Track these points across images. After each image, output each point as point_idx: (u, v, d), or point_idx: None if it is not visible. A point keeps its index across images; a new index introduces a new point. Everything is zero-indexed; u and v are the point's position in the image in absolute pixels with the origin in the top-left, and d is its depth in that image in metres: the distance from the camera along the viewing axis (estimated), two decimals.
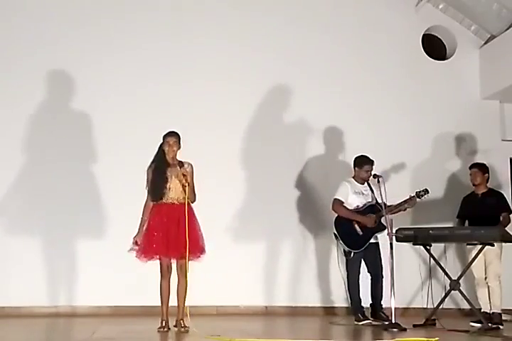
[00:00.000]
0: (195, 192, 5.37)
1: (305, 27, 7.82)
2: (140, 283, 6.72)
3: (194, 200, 5.38)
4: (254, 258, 7.06)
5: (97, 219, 7.01)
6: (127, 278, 6.76)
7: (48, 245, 6.84)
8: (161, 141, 5.42)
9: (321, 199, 6.98)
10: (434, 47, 8.39)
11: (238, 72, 7.52)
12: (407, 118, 7.88)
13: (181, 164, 5.34)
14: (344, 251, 6.40)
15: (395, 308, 5.82)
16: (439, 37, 8.46)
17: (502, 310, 6.47)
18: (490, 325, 6.06)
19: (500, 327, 6.18)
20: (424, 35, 8.25)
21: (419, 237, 6.33)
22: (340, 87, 7.81)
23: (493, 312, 6.40)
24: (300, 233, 7.44)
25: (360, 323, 6.29)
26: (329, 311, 7.33)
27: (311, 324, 6.63)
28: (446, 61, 8.33)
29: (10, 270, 6.69)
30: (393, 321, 5.76)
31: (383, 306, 6.40)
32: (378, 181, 6.16)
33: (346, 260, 6.42)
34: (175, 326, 5.25)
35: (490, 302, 6.45)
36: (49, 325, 6.11)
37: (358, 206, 6.45)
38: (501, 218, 6.62)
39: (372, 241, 6.30)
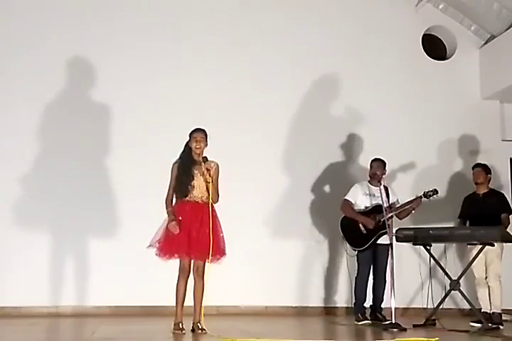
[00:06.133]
0: (219, 192, 5.29)
1: (305, 27, 7.81)
2: (140, 283, 6.75)
3: (217, 200, 5.29)
4: (256, 259, 7.05)
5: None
6: (127, 278, 6.78)
7: (53, 244, 6.82)
8: (187, 139, 5.34)
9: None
10: (434, 47, 8.39)
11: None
12: (407, 118, 7.88)
13: (205, 159, 5.24)
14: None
15: (395, 308, 5.82)
16: (439, 37, 8.46)
17: (502, 310, 6.48)
18: (490, 325, 6.06)
19: (500, 327, 6.18)
20: (424, 35, 8.25)
21: (419, 237, 6.34)
22: (340, 87, 7.81)
23: (493, 312, 6.40)
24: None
25: (360, 323, 6.30)
26: (330, 311, 7.34)
27: (311, 324, 6.64)
28: (446, 61, 8.33)
29: (10, 269, 6.69)
30: (393, 321, 5.76)
31: (382, 307, 6.42)
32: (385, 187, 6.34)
33: (357, 259, 6.46)
34: (192, 330, 5.17)
35: (490, 303, 6.45)
36: (49, 325, 6.10)
37: (366, 207, 6.49)
38: (501, 219, 6.62)
39: (382, 242, 6.28)
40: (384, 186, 6.40)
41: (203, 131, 5.33)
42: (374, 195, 6.47)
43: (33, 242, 6.75)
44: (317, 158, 7.64)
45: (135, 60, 7.34)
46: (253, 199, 7.20)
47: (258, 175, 7.31)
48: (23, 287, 6.63)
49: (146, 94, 7.28)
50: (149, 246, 5.22)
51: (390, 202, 6.47)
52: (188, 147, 5.34)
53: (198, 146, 5.28)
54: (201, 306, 5.20)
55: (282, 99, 7.60)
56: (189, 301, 5.23)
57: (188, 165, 5.28)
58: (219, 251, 5.21)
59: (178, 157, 5.37)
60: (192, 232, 5.14)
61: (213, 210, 5.25)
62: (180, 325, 5.15)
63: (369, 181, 6.61)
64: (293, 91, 7.66)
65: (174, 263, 5.24)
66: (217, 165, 5.32)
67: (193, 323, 5.20)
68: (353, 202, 6.53)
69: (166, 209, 5.26)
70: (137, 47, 7.37)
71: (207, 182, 5.20)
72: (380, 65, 7.94)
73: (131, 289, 6.76)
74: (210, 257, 5.14)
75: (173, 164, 5.35)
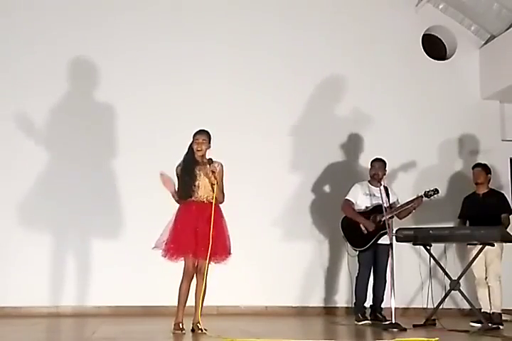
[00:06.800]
0: (224, 192, 5.30)
1: (304, 27, 7.81)
2: (140, 283, 6.75)
3: (222, 200, 5.30)
4: (256, 259, 7.05)
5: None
6: (127, 279, 6.78)
7: (53, 244, 6.81)
8: (190, 140, 5.34)
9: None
10: (434, 47, 8.39)
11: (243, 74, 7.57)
12: (407, 118, 7.88)
13: (210, 161, 5.25)
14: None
15: (395, 308, 5.82)
16: (439, 37, 8.46)
17: (502, 310, 6.48)
18: (490, 325, 6.06)
19: (500, 327, 6.18)
20: (424, 35, 8.25)
21: (419, 237, 6.34)
22: (340, 87, 7.81)
23: (493, 312, 6.40)
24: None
25: (360, 323, 6.30)
26: (330, 311, 7.34)
27: (311, 324, 6.63)
28: (446, 61, 8.33)
29: (11, 268, 6.69)
30: (393, 321, 5.76)
31: (383, 307, 6.43)
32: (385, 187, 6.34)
33: (358, 260, 6.45)
34: (192, 330, 5.17)
35: (490, 303, 6.45)
36: (49, 325, 6.10)
37: (367, 207, 6.48)
38: (501, 219, 6.63)
39: (382, 242, 6.28)
40: (384, 186, 6.40)
41: (206, 133, 5.33)
42: (374, 195, 6.47)
43: (34, 242, 6.74)
44: (317, 158, 7.64)
45: (138, 61, 7.34)
46: (254, 200, 7.19)
47: (259, 175, 7.31)
48: (23, 287, 6.62)
49: (150, 95, 7.28)
50: (154, 247, 5.22)
51: (390, 202, 6.47)
52: (191, 148, 5.35)
53: (199, 149, 5.29)
54: (202, 306, 5.21)
55: (283, 99, 7.59)
56: (189, 301, 5.23)
57: (190, 165, 5.29)
58: (224, 251, 5.22)
59: (181, 159, 5.36)
60: (198, 233, 5.14)
61: (219, 210, 5.26)
62: (181, 324, 5.15)
63: (369, 181, 6.61)
64: (294, 92, 7.64)
65: (174, 264, 5.24)
66: (222, 165, 5.33)
67: (193, 323, 5.21)
68: (354, 202, 6.54)
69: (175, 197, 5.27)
70: (140, 49, 7.38)
71: (212, 184, 5.20)
72: (380, 64, 7.94)
73: (131, 289, 6.76)
74: (215, 257, 5.16)
75: (177, 167, 5.35)
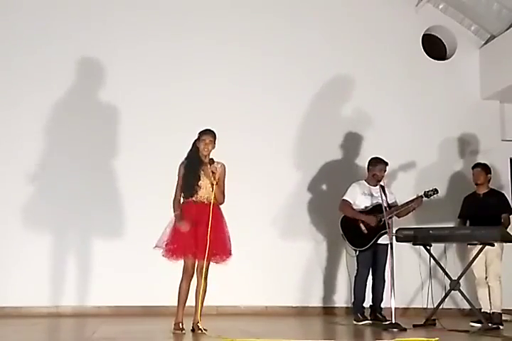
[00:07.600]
0: (225, 193, 5.28)
1: (305, 27, 7.82)
2: (140, 283, 6.75)
3: (222, 201, 5.27)
4: (255, 259, 7.04)
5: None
6: (127, 279, 6.78)
7: (53, 244, 6.81)
8: (192, 140, 5.32)
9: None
10: (434, 47, 8.39)
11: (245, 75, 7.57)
12: (407, 118, 7.88)
13: (212, 161, 5.23)
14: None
15: (395, 308, 5.82)
16: (439, 37, 8.46)
17: (502, 310, 6.48)
18: (490, 325, 6.07)
19: (500, 327, 6.18)
20: (424, 35, 8.25)
21: (419, 237, 6.34)
22: (340, 87, 7.82)
23: (493, 312, 6.40)
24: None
25: (360, 323, 6.30)
26: (329, 311, 7.34)
27: (311, 324, 6.63)
28: (446, 61, 8.34)
29: (11, 268, 6.69)
30: (393, 321, 5.76)
31: (382, 307, 6.43)
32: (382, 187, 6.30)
33: (356, 259, 6.44)
34: (192, 330, 5.17)
35: (490, 303, 6.45)
36: (49, 325, 6.11)
37: (366, 207, 6.47)
38: (502, 219, 6.63)
39: (381, 242, 6.28)
40: (381, 185, 6.39)
41: (213, 133, 5.30)
42: (373, 195, 6.46)
43: (34, 242, 6.75)
44: (317, 158, 7.63)
45: (143, 61, 7.34)
46: (253, 199, 7.18)
47: (257, 175, 7.30)
48: (23, 287, 6.62)
49: (151, 95, 7.27)
50: (156, 246, 5.20)
51: (389, 201, 6.46)
52: (195, 147, 5.32)
53: (205, 149, 5.26)
54: (202, 306, 5.20)
55: (283, 99, 7.59)
56: (189, 301, 5.23)
57: (195, 165, 5.26)
58: (225, 252, 5.22)
59: (185, 156, 5.35)
60: (198, 233, 5.13)
61: (219, 211, 5.25)
62: (181, 324, 5.15)
63: (366, 180, 6.59)
64: (294, 92, 7.64)
65: (174, 264, 5.23)
66: (224, 166, 5.31)
67: (193, 323, 5.21)
68: (352, 202, 6.51)
69: (174, 212, 5.24)
70: (142, 48, 7.37)
71: (212, 184, 5.18)
72: (380, 64, 7.94)
73: (131, 289, 6.75)
74: (216, 257, 5.16)
75: (180, 164, 5.33)
